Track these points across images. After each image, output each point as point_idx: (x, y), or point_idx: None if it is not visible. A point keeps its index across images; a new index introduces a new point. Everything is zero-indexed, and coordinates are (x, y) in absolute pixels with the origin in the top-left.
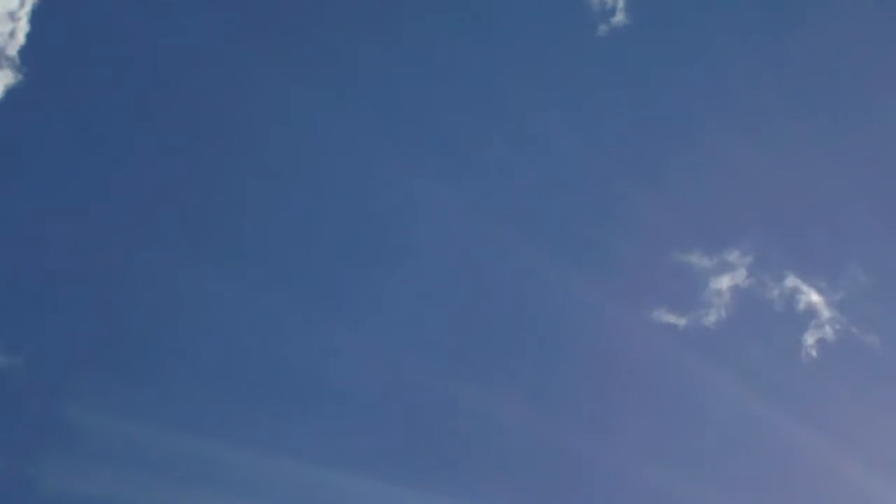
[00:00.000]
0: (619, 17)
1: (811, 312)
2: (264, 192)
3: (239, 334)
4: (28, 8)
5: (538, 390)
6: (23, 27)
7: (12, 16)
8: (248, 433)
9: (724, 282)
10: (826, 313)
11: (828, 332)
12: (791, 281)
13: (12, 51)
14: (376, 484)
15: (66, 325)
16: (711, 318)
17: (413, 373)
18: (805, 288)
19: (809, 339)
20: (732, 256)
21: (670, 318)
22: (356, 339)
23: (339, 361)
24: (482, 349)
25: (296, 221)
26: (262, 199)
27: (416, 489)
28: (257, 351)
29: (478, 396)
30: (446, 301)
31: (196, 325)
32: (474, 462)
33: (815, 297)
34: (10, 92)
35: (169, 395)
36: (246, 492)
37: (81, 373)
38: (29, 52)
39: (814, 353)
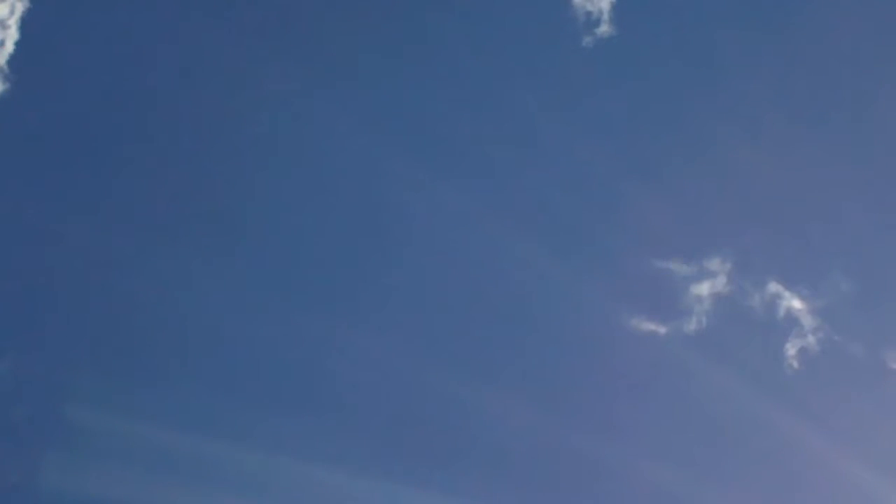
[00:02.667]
0: (604, 28)
1: (793, 319)
2: (264, 191)
3: (239, 333)
4: (17, 16)
5: (529, 393)
6: (12, 35)
7: (1, 24)
8: (249, 433)
9: (704, 289)
10: (809, 320)
11: (810, 340)
12: (773, 287)
13: (1, 59)
14: (376, 484)
15: (62, 326)
16: (692, 326)
17: (412, 372)
18: (787, 294)
19: (791, 346)
20: (713, 263)
21: (650, 326)
22: (357, 338)
23: (340, 360)
24: (479, 349)
25: (296, 220)
26: (261, 198)
27: (416, 489)
28: (257, 350)
29: (476, 396)
30: (446, 300)
31: (195, 324)
32: (474, 462)
33: (797, 304)
34: None
35: (168, 394)
36: (246, 491)
37: (79, 373)
38: (18, 61)
39: (796, 361)
